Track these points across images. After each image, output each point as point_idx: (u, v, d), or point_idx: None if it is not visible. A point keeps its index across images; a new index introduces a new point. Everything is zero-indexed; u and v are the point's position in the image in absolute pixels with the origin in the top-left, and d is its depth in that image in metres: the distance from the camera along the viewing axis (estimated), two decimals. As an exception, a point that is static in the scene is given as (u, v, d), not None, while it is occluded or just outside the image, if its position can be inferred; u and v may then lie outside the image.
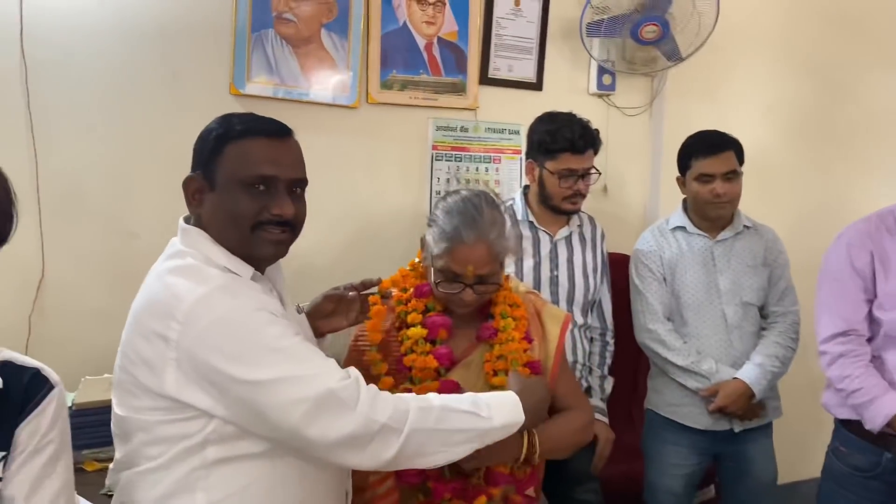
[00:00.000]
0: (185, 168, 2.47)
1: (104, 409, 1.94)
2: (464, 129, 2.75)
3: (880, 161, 3.47)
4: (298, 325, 1.36)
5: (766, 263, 2.32)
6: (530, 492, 1.57)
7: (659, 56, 2.89)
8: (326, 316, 1.54)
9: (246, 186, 1.24)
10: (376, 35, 2.56)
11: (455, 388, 1.48)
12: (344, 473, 1.39)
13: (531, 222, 2.26)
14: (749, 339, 2.29)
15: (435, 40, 2.67)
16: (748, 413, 2.24)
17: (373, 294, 1.59)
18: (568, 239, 2.30)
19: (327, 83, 2.51)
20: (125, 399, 1.23)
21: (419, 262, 1.66)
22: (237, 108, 2.38)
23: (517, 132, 2.80)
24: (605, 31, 2.76)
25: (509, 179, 2.80)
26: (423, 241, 1.60)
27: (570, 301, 2.26)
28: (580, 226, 2.34)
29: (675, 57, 2.86)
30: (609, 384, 2.33)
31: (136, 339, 1.20)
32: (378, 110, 2.61)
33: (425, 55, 2.66)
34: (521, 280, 2.11)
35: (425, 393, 1.40)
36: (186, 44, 2.32)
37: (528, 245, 2.23)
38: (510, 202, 2.29)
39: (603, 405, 2.30)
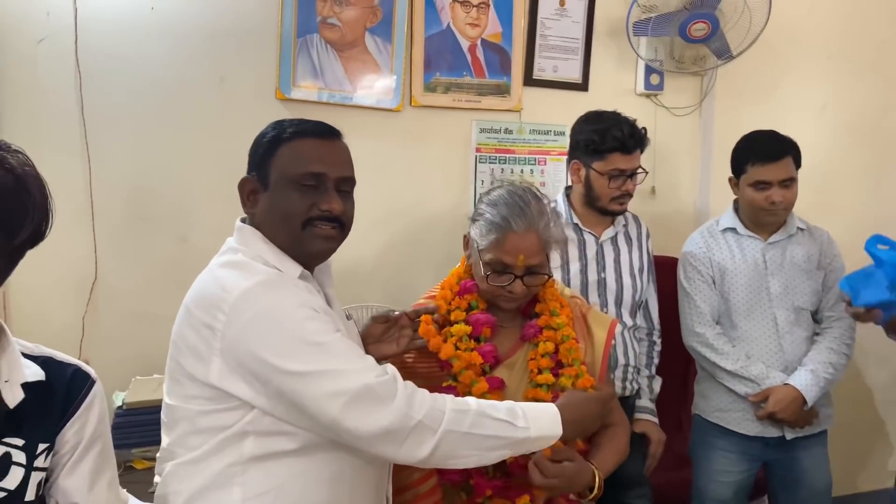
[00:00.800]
0: (232, 171, 2.51)
1: (154, 409, 1.99)
2: (508, 131, 2.73)
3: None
4: (343, 325, 1.38)
5: (820, 267, 2.24)
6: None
7: (708, 54, 2.83)
8: (376, 341, 1.53)
9: (296, 184, 1.30)
10: (420, 38, 2.57)
11: (500, 385, 1.48)
12: (383, 478, 1.39)
13: (576, 224, 2.21)
14: (801, 344, 2.21)
15: (479, 42, 2.66)
16: (800, 420, 2.16)
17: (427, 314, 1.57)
18: (614, 240, 2.25)
19: (371, 87, 2.52)
20: (174, 388, 1.28)
21: (464, 261, 1.65)
22: (283, 112, 2.41)
23: (562, 133, 2.77)
24: (653, 29, 2.71)
25: (555, 181, 2.77)
26: (466, 240, 1.60)
27: (619, 303, 2.22)
28: (625, 225, 2.30)
29: (725, 55, 2.79)
30: (657, 384, 2.30)
31: (185, 329, 1.25)
32: (421, 113, 2.61)
33: (469, 57, 2.65)
34: (568, 284, 2.09)
35: (471, 389, 1.43)
36: (233, 49, 2.36)
37: (573, 248, 2.18)
38: (553, 204, 2.25)
39: (652, 405, 2.27)
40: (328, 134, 1.36)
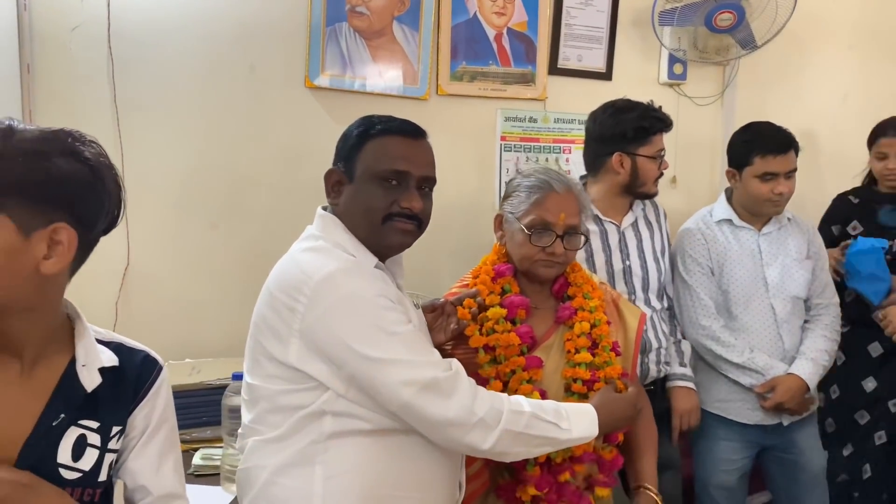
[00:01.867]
0: (262, 158, 2.54)
1: (185, 394, 2.03)
2: (532, 120, 2.74)
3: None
4: (414, 314, 1.43)
5: (808, 256, 2.32)
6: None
7: (732, 44, 2.83)
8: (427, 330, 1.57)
9: (380, 180, 1.36)
10: (447, 26, 2.57)
11: (539, 364, 1.53)
12: (457, 463, 1.44)
13: (595, 215, 2.20)
14: (797, 332, 2.29)
15: (504, 31, 2.66)
16: (801, 407, 2.24)
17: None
18: (634, 225, 2.25)
19: (398, 75, 2.53)
20: (254, 367, 1.34)
21: (495, 248, 1.69)
22: (312, 100, 2.43)
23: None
24: (679, 19, 2.72)
25: (580, 169, 2.77)
26: (498, 220, 1.65)
27: (646, 289, 2.23)
28: (643, 209, 2.29)
29: (749, 45, 2.80)
30: (687, 346, 2.31)
31: (266, 310, 1.32)
32: (447, 102, 2.62)
33: (495, 46, 2.66)
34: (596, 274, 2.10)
35: (510, 370, 1.50)
36: (263, 38, 2.37)
37: (595, 240, 2.19)
38: None
39: (683, 370, 2.28)
40: (414, 133, 1.41)
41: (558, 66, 2.76)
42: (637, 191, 2.20)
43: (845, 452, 2.51)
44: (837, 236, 2.58)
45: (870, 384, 2.48)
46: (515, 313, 1.56)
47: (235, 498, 1.46)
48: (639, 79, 2.89)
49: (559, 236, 1.55)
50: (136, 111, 2.25)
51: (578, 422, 1.38)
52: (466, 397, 1.27)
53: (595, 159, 2.22)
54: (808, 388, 2.21)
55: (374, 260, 1.37)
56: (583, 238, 1.60)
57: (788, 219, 2.34)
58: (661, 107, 2.25)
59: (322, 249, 1.34)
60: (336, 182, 1.41)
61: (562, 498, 1.50)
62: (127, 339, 1.18)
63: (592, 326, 1.58)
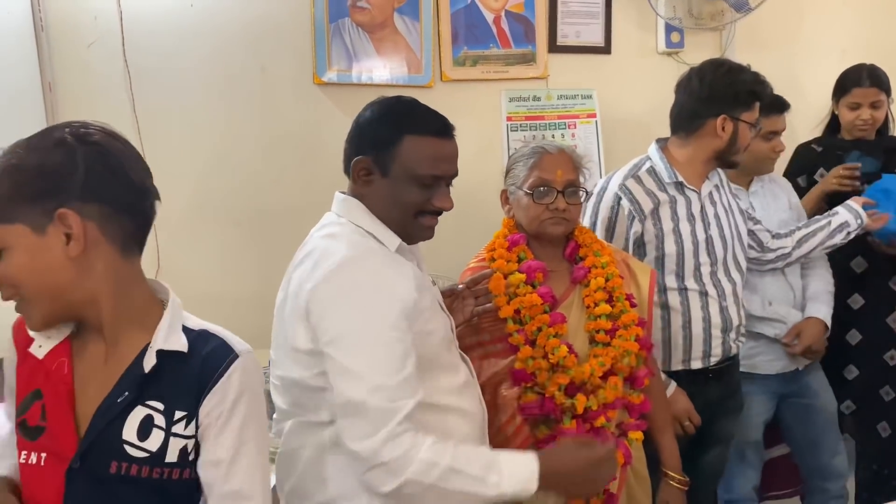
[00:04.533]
0: (278, 155, 2.61)
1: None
2: (536, 99, 2.81)
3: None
4: (429, 295, 1.43)
5: (791, 207, 2.44)
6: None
7: (727, 8, 2.88)
8: None
9: (419, 181, 1.38)
10: (446, 14, 2.64)
11: (563, 320, 1.63)
12: (484, 429, 1.49)
13: (679, 182, 2.05)
14: (800, 278, 2.39)
15: (503, 13, 2.73)
16: (822, 349, 2.36)
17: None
18: (710, 195, 2.12)
19: (402, 65, 2.61)
20: (279, 355, 1.40)
21: (505, 222, 1.79)
22: (322, 96, 2.52)
23: (589, 97, 2.85)
24: (672, -13, 2.77)
25: (586, 143, 2.85)
26: (504, 195, 1.77)
27: (725, 261, 2.11)
28: (718, 174, 2.18)
29: (743, 8, 2.84)
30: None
31: (282, 296, 1.39)
32: (452, 87, 2.70)
33: (494, 29, 2.72)
34: (682, 249, 2.03)
35: (537, 328, 1.60)
36: (271, 39, 2.46)
37: (681, 208, 2.04)
38: (644, 165, 2.09)
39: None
40: (448, 133, 1.44)
41: (557, 44, 2.82)
42: (729, 158, 2.07)
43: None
44: (804, 188, 2.57)
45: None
46: (534, 277, 1.65)
47: (274, 485, 1.44)
48: (637, 50, 2.95)
49: (559, 192, 1.66)
50: (155, 118, 2.34)
51: (513, 474, 1.29)
52: (380, 438, 1.23)
53: (693, 120, 2.06)
54: (828, 329, 2.31)
55: (398, 242, 1.40)
56: (583, 193, 1.71)
57: (770, 178, 2.47)
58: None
59: (343, 233, 1.37)
60: (365, 171, 1.40)
61: None
62: (215, 328, 1.18)
63: (606, 280, 1.68)
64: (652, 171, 2.05)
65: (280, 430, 1.43)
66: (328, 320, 1.28)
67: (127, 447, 1.08)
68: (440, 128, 1.42)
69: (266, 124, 2.47)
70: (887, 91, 2.53)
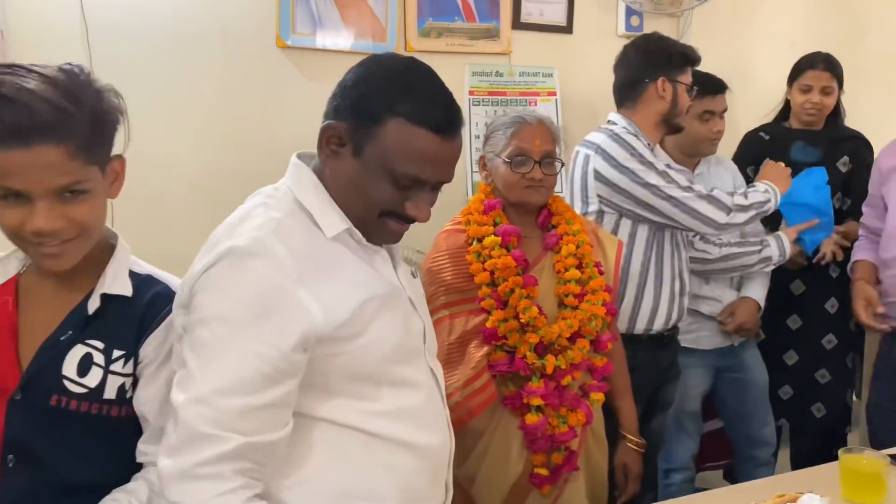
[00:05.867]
0: (238, 119, 2.57)
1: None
2: (499, 74, 2.84)
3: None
4: (395, 296, 1.19)
5: (735, 187, 2.48)
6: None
7: (685, -6, 2.95)
8: None
9: (394, 178, 1.11)
10: (413, -16, 2.64)
11: (535, 283, 1.68)
12: (442, 466, 1.24)
13: (648, 144, 2.11)
14: None
15: (468, -14, 2.74)
16: (756, 327, 2.46)
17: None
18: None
19: (368, 33, 2.60)
20: None
21: (482, 187, 1.82)
22: (284, 60, 2.50)
23: (550, 75, 2.89)
24: (634, -30, 2.82)
25: (547, 120, 2.89)
26: (482, 161, 1.80)
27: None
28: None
29: (701, -6, 2.92)
30: None
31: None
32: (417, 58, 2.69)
33: (459, 2, 2.73)
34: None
35: (510, 289, 1.61)
36: (235, 1, 2.41)
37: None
38: (615, 129, 2.11)
39: None
40: (449, 129, 1.13)
41: (521, 21, 2.85)
42: (674, 121, 2.16)
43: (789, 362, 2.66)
44: (753, 178, 2.60)
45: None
46: (509, 240, 1.70)
47: None
48: (598, 31, 3.00)
49: (536, 162, 1.70)
50: (113, 77, 2.22)
51: None
52: (177, 468, 0.99)
53: (635, 87, 2.15)
54: (760, 308, 2.42)
55: (342, 227, 1.14)
56: (560, 164, 1.74)
57: (716, 159, 2.54)
58: None
59: (255, 213, 1.12)
60: (336, 142, 1.14)
61: (563, 402, 1.65)
62: (161, 273, 1.24)
63: (577, 247, 1.74)
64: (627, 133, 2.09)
65: None
66: (199, 298, 1.05)
67: (66, 382, 1.12)
68: (442, 122, 1.11)
69: (226, 86, 2.43)
70: (839, 79, 2.60)
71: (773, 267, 2.38)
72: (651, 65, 2.15)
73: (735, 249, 2.32)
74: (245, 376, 1.01)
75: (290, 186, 1.17)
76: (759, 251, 2.32)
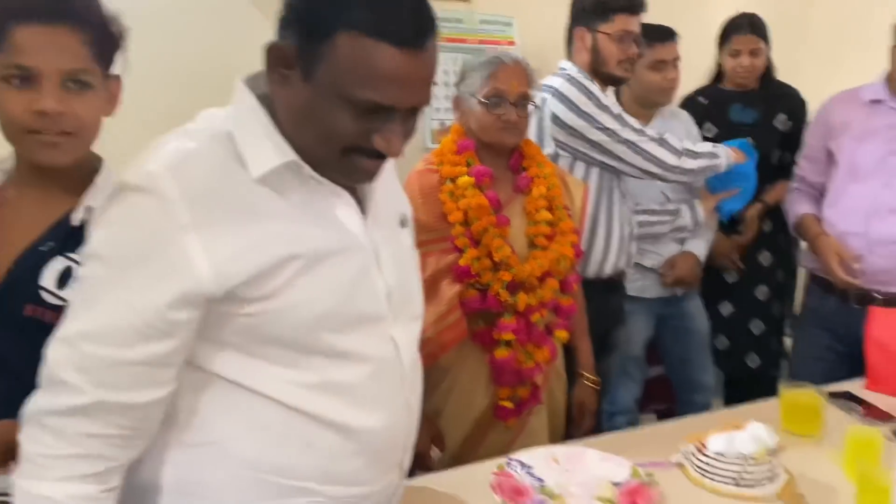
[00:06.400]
0: (191, 53, 2.48)
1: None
2: (459, 21, 2.83)
3: (852, 64, 3.63)
4: (345, 252, 1.03)
5: (691, 138, 2.52)
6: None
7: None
8: None
9: (352, 104, 0.94)
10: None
11: (507, 223, 1.71)
12: (390, 448, 1.10)
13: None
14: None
15: (431, -70, 2.69)
16: (696, 281, 2.56)
17: None
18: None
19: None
20: None
21: (454, 128, 1.83)
22: (251, 7, 2.42)
23: (510, 24, 2.90)
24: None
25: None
26: (456, 101, 1.79)
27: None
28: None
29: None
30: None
31: None
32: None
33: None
34: None
35: (483, 228, 1.66)
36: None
37: None
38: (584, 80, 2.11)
39: None
40: (418, 43, 0.93)
41: (482, -33, 2.84)
42: (603, 71, 2.11)
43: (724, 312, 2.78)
44: None
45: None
46: (482, 181, 1.72)
47: None
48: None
49: (512, 104, 1.71)
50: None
51: None
52: (28, 410, 0.94)
53: (568, 37, 2.19)
54: (701, 263, 2.53)
55: (282, 160, 0.97)
56: (533, 106, 1.76)
57: (671, 112, 2.59)
58: None
59: (165, 148, 0.96)
60: (284, 63, 0.95)
61: (531, 339, 1.71)
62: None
63: (548, 189, 1.78)
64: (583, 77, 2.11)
65: None
66: (91, 232, 0.97)
67: (43, 293, 1.12)
68: (406, 32, 0.92)
69: (191, 33, 2.38)
70: (765, 39, 2.66)
71: (687, 234, 2.49)
72: (574, 15, 2.18)
73: (649, 217, 2.41)
74: (116, 325, 0.91)
75: (220, 113, 1.02)
76: (673, 220, 2.43)
